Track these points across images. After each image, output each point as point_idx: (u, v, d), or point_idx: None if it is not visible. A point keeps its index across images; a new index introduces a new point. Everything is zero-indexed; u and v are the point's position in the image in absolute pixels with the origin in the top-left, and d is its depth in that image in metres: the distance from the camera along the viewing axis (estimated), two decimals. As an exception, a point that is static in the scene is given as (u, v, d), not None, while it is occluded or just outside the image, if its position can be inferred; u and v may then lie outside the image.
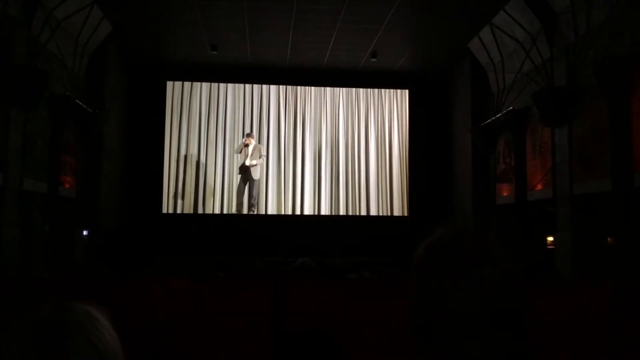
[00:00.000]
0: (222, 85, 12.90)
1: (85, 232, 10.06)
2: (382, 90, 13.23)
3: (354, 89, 13.15)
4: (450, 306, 0.89)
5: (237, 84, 12.92)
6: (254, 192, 12.39)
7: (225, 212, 12.46)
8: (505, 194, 10.48)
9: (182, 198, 12.59)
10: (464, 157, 11.92)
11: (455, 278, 0.90)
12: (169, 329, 2.54)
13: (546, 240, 9.23)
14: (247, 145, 12.24)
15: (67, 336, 0.77)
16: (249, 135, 12.41)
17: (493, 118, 10.49)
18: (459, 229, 0.99)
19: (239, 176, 12.42)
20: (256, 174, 12.33)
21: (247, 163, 12.21)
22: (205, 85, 12.86)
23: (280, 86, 13.02)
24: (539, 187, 9.27)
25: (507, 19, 9.42)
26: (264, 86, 12.98)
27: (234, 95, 12.94)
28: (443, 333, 0.89)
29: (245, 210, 12.36)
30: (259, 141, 12.79)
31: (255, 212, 12.43)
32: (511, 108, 9.85)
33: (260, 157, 12.33)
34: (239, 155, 12.44)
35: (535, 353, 0.92)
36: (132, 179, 12.16)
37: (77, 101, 9.31)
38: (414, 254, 0.99)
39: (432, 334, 0.90)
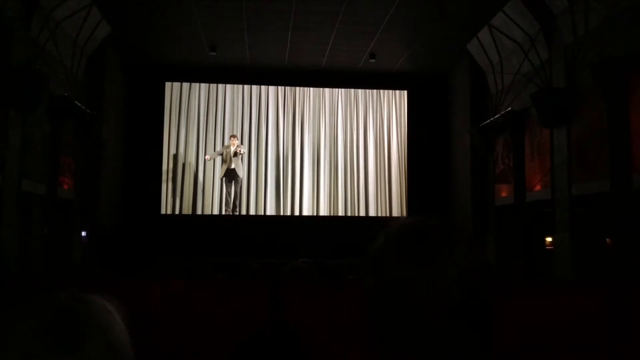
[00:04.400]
0: (220, 86, 12.90)
1: (84, 234, 10.05)
2: (381, 91, 13.24)
3: (352, 90, 13.16)
4: (412, 298, 0.84)
5: (235, 85, 12.92)
6: (238, 189, 12.33)
7: (223, 213, 12.46)
8: (504, 194, 10.49)
9: (181, 199, 12.57)
10: (462, 157, 11.93)
11: (418, 268, 0.85)
12: (167, 330, 2.53)
13: (545, 241, 9.23)
14: (228, 147, 12.09)
15: (83, 328, 0.78)
16: (234, 136, 12.31)
17: (492, 119, 10.50)
18: (419, 219, 0.95)
19: (224, 179, 12.26)
20: (240, 171, 12.26)
21: (233, 166, 12.04)
22: (203, 86, 12.86)
23: (279, 87, 13.02)
24: (538, 187, 9.28)
25: (505, 20, 9.43)
26: (263, 87, 12.98)
27: (232, 96, 12.94)
28: (403, 328, 0.84)
29: (231, 211, 12.32)
30: (258, 142, 12.80)
31: (238, 213, 12.39)
32: (510, 109, 9.86)
33: (242, 152, 12.20)
34: (220, 158, 12.25)
35: (492, 348, 0.88)
36: (131, 180, 12.14)
37: (76, 102, 9.29)
38: (370, 246, 0.94)
39: (391, 329, 0.85)
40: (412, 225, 0.93)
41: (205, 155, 12.46)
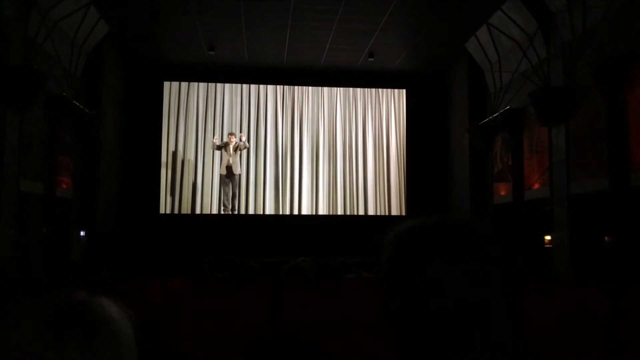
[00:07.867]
0: (219, 85, 12.88)
1: (82, 233, 10.04)
2: (380, 90, 13.23)
3: (351, 89, 13.15)
4: (439, 303, 0.79)
5: (234, 84, 12.91)
6: (236, 190, 12.35)
7: (222, 212, 12.46)
8: (502, 193, 10.50)
9: (180, 198, 12.56)
10: (461, 156, 11.93)
11: (444, 271, 0.80)
12: (166, 330, 2.53)
13: (543, 239, 9.24)
14: (227, 144, 12.11)
15: (92, 323, 0.79)
16: (232, 134, 12.33)
17: (490, 117, 10.51)
18: (439, 217, 0.88)
19: (222, 178, 12.28)
20: (237, 168, 12.25)
21: (231, 162, 12.09)
22: (202, 85, 12.85)
23: (278, 86, 13.01)
24: (536, 186, 9.29)
25: (504, 18, 9.43)
26: (261, 86, 12.97)
27: (231, 95, 12.93)
28: (431, 334, 0.80)
29: (229, 211, 12.33)
30: (257, 141, 12.79)
31: (237, 212, 12.40)
32: (508, 107, 9.86)
33: (242, 149, 12.19)
34: (221, 152, 12.27)
35: (527, 349, 0.86)
36: (129, 179, 12.13)
37: (74, 102, 9.28)
38: (383, 245, 0.87)
39: (419, 335, 0.81)
40: (432, 224, 0.87)
41: (214, 139, 12.43)
